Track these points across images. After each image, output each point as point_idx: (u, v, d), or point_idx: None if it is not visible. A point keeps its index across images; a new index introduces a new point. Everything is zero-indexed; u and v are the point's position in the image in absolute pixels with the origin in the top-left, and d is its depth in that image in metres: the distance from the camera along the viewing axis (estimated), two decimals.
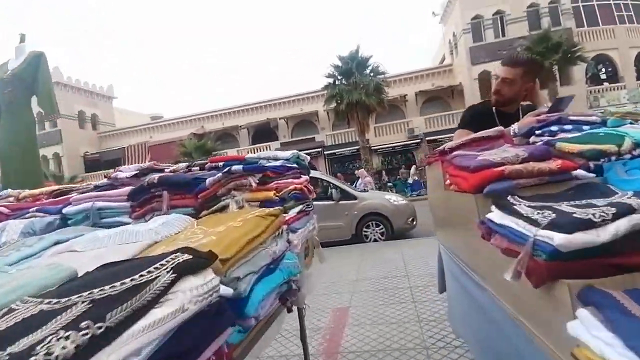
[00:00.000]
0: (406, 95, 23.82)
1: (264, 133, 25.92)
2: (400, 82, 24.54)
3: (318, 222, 3.67)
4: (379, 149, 22.19)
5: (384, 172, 20.19)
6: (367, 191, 8.26)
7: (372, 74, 18.13)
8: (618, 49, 19.09)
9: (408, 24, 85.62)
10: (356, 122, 18.35)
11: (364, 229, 6.95)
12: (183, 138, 23.10)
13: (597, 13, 19.86)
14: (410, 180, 18.20)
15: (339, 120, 23.73)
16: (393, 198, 7.12)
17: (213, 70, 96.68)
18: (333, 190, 6.91)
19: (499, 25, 20.84)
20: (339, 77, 18.53)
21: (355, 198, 6.97)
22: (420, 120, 22.40)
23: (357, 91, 17.49)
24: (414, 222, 7.17)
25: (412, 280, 4.05)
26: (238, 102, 27.24)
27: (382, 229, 6.91)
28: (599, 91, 19.55)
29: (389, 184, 18.97)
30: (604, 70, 20.39)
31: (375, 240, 6.92)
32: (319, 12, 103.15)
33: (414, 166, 19.41)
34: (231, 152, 24.67)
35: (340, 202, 6.96)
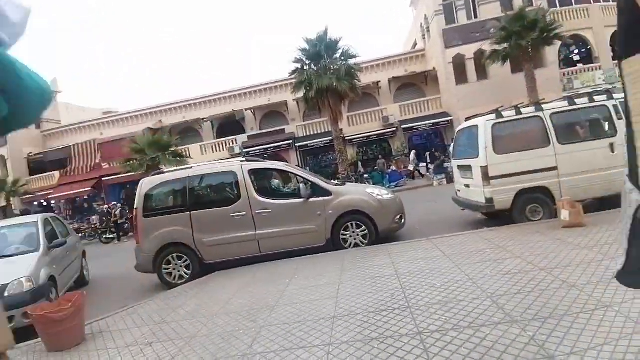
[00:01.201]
0: (379, 82, 22.69)
1: (229, 126, 23.98)
2: (372, 68, 23.37)
3: (282, 225, 2.61)
4: (353, 139, 20.95)
5: (359, 164, 18.97)
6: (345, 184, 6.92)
7: (342, 58, 16.73)
8: (592, 28, 18.81)
9: (376, 9, 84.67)
10: (328, 110, 16.94)
11: (342, 232, 5.61)
12: (138, 134, 20.78)
13: None
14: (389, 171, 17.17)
15: (310, 110, 22.27)
16: (376, 192, 5.81)
17: (175, 61, 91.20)
18: (301, 185, 5.49)
19: (471, 6, 20.04)
20: (307, 62, 16.99)
21: (329, 194, 5.59)
22: (394, 107, 21.36)
23: (327, 76, 16.04)
24: (403, 221, 5.91)
25: (419, 317, 2.71)
26: (200, 94, 25.03)
27: (364, 230, 5.59)
28: (573, 73, 19.26)
29: (366, 176, 17.79)
30: (576, 51, 20.13)
31: (356, 246, 5.59)
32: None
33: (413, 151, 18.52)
34: (193, 147, 22.63)
35: (311, 199, 5.56)
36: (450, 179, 15.56)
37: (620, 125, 5.15)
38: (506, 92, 17.79)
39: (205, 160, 21.97)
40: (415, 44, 25.47)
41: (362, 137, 20.95)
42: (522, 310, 2.59)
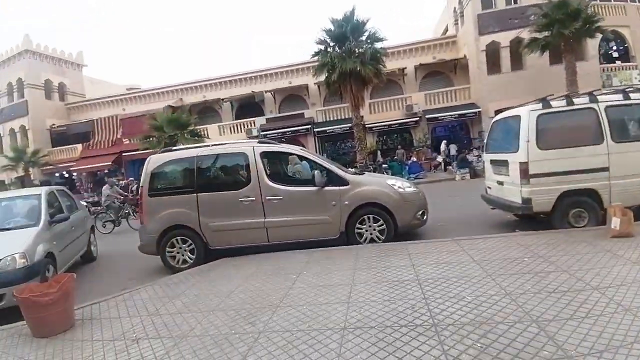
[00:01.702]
0: (405, 68, 21.66)
1: (249, 107, 23.66)
2: (398, 54, 22.32)
3: (294, 214, 2.81)
4: (374, 127, 20.22)
5: (379, 153, 18.31)
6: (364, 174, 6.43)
7: (368, 41, 15.90)
8: (630, 26, 17.19)
9: None
10: (349, 95, 16.25)
11: (358, 225, 5.15)
12: (159, 111, 20.75)
13: None
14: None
15: (331, 95, 21.58)
16: (398, 184, 5.29)
17: (197, 40, 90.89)
18: (316, 172, 5.02)
19: None
20: (332, 44, 16.25)
21: (346, 183, 5.11)
22: (419, 96, 20.38)
23: (351, 59, 15.29)
24: (425, 217, 5.39)
25: (447, 340, 2.25)
26: (221, 74, 24.71)
27: (381, 225, 5.11)
28: (611, 69, 17.76)
29: (385, 166, 17.16)
30: (615, 48, 18.48)
31: (372, 241, 5.13)
32: None
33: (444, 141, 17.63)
34: (212, 127, 22.46)
35: (326, 188, 5.10)
36: (474, 174, 14.74)
37: None
38: (542, 85, 16.43)
39: (223, 141, 21.80)
40: (446, 30, 24.13)
41: (383, 126, 20.19)
42: (576, 341, 2.09)
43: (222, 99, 23.41)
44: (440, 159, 17.65)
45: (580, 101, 4.64)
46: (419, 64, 21.63)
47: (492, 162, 5.58)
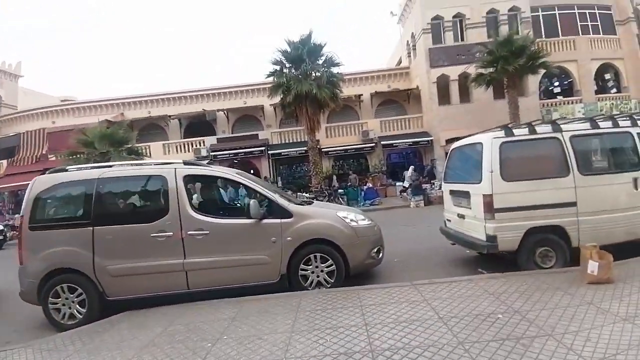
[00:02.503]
0: (361, 95, 21.89)
1: (199, 126, 22.21)
2: (355, 81, 22.59)
3: (223, 253, 2.95)
4: (330, 151, 19.82)
5: (334, 178, 17.79)
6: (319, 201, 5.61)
7: (325, 65, 15.70)
8: (577, 61, 18.90)
9: (363, 25, 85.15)
10: (305, 118, 15.75)
11: (303, 266, 4.26)
12: (94, 125, 18.63)
13: (559, 23, 19.60)
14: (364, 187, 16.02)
15: (286, 117, 21.07)
16: (350, 216, 4.54)
17: (152, 55, 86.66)
18: (252, 202, 4.10)
19: (459, 28, 19.79)
20: (288, 65, 15.82)
21: (289, 215, 4.25)
22: (375, 122, 20.52)
23: (307, 82, 14.91)
24: (381, 255, 4.66)
25: None
26: (170, 89, 23.17)
27: (331, 265, 4.28)
28: (552, 104, 19.25)
29: (340, 191, 16.61)
30: (557, 83, 20.23)
31: (319, 285, 4.26)
32: (270, 7, 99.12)
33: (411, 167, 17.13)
34: (156, 146, 20.64)
35: (265, 221, 4.19)
36: (428, 201, 14.69)
37: None
38: (487, 118, 17.20)
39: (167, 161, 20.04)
40: (400, 61, 25.05)
41: (340, 150, 19.87)
42: None
43: (170, 116, 21.78)
44: (406, 184, 17.08)
45: (544, 129, 4.31)
46: (375, 91, 21.98)
47: (452, 192, 5.08)
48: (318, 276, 4.27)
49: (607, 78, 19.07)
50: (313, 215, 4.39)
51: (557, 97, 20.20)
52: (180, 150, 20.52)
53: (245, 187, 4.43)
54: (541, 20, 19.61)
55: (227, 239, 4.16)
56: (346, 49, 65.91)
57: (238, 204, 5.19)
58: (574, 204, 4.13)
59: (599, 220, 4.11)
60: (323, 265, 4.27)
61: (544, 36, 19.02)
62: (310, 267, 4.27)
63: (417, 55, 20.73)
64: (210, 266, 4.10)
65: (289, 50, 15.29)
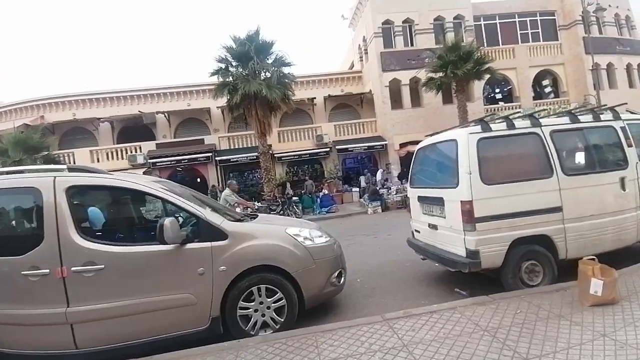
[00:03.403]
0: (314, 98, 21.24)
1: (135, 130, 19.91)
2: (308, 84, 21.92)
3: (127, 294, 2.47)
4: (283, 156, 18.79)
5: (288, 185, 16.77)
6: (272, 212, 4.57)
7: (275, 64, 14.72)
8: (516, 68, 19.97)
9: (316, 28, 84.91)
10: (254, 121, 14.59)
11: (242, 304, 3.21)
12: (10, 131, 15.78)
13: (499, 32, 20.63)
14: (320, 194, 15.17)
15: (235, 120, 19.64)
16: (304, 233, 3.58)
17: (86, 52, 77.24)
18: (166, 220, 2.96)
19: (408, 33, 20.02)
20: (234, 63, 14.58)
21: (223, 236, 3.19)
22: (329, 126, 19.92)
23: (256, 81, 13.80)
24: (342, 279, 3.76)
25: None
26: (99, 89, 20.58)
27: (280, 300, 3.28)
28: (495, 110, 20.12)
29: (295, 199, 15.64)
30: (498, 90, 21.29)
31: (265, 327, 3.25)
32: (217, 9, 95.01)
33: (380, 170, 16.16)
34: (81, 152, 18.03)
35: (189, 245, 3.09)
36: (385, 207, 14.27)
37: (632, 154, 3.86)
38: (438, 122, 17.45)
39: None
40: (352, 65, 24.88)
41: (293, 155, 18.91)
42: None
43: (99, 119, 19.26)
44: (378, 186, 16.18)
45: (522, 124, 3.75)
46: (328, 95, 21.46)
47: (421, 199, 4.37)
48: (263, 315, 3.26)
49: (544, 84, 20.40)
50: (256, 235, 3.37)
51: (499, 102, 21.32)
52: (113, 157, 18.19)
53: (162, 199, 3.28)
54: (483, 29, 20.54)
55: (132, 275, 2.99)
56: (299, 53, 65.11)
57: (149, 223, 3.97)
58: (559, 209, 3.59)
59: (586, 227, 3.62)
60: (270, 300, 3.27)
61: (485, 45, 19.88)
62: (253, 303, 3.24)
63: (369, 59, 20.60)
64: (107, 315, 2.90)
65: (234, 46, 14.08)
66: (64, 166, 3.21)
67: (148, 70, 70.84)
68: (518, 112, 3.86)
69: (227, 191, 8.38)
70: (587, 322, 2.66)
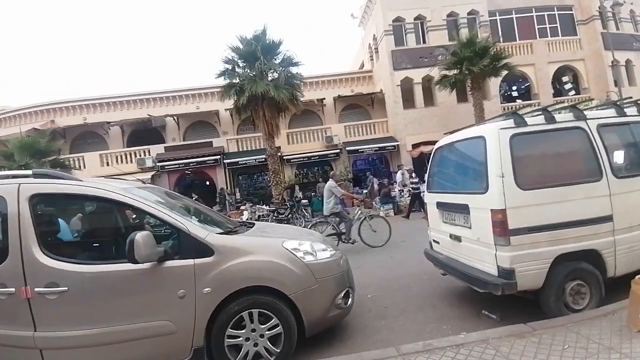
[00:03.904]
0: (324, 99, 20.74)
1: (145, 134, 19.84)
2: (317, 85, 21.49)
3: (97, 320, 2.12)
4: (292, 158, 18.35)
5: (296, 187, 16.30)
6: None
7: (282, 64, 14.32)
8: (534, 64, 19.06)
9: (325, 29, 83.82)
10: (262, 122, 14.20)
11: (231, 331, 2.73)
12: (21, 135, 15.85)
13: (515, 27, 19.77)
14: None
15: (242, 121, 19.41)
16: (304, 247, 3.07)
17: (98, 57, 78.25)
18: (138, 235, 2.48)
19: (420, 31, 19.35)
20: (241, 64, 14.25)
21: (208, 252, 2.71)
22: (339, 127, 19.39)
23: (263, 82, 13.42)
24: (350, 300, 3.23)
25: None
26: (110, 93, 20.60)
27: (275, 326, 2.78)
28: (512, 108, 19.23)
29: (304, 202, 15.16)
30: (515, 87, 20.40)
31: (258, 359, 2.76)
32: (226, 13, 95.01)
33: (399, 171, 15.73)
34: (91, 156, 18.00)
35: (168, 264, 2.63)
36: (398, 209, 13.64)
37: None
38: (453, 121, 16.76)
39: (106, 174, 17.55)
40: (362, 65, 24.32)
41: (302, 157, 18.44)
42: None
43: (109, 123, 19.24)
44: (396, 189, 14.71)
45: (563, 117, 3.16)
46: (338, 95, 20.96)
47: (441, 206, 3.81)
48: (256, 344, 2.76)
49: (564, 80, 19.41)
50: (247, 250, 2.88)
51: (516, 100, 20.41)
52: (122, 161, 18.09)
53: (139, 210, 2.82)
54: (499, 24, 19.71)
55: (100, 298, 2.54)
56: (308, 53, 64.57)
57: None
58: (609, 219, 3.00)
59: (638, 237, 3.02)
60: (264, 327, 2.77)
61: (501, 40, 19.03)
62: (244, 331, 2.75)
63: (380, 58, 20.01)
64: (76, 344, 2.47)
65: (241, 47, 13.74)
66: (30, 172, 2.80)
67: (157, 74, 71.71)
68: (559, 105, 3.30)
69: (331, 182, 7.75)
70: (636, 352, 2.08)
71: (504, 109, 19.22)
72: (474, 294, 3.92)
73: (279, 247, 2.95)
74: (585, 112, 3.19)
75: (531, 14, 19.78)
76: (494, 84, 18.40)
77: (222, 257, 2.73)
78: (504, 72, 15.94)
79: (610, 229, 2.99)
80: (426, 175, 4.27)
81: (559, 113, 3.22)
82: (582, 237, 2.93)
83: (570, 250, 2.90)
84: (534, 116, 3.18)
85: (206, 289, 2.64)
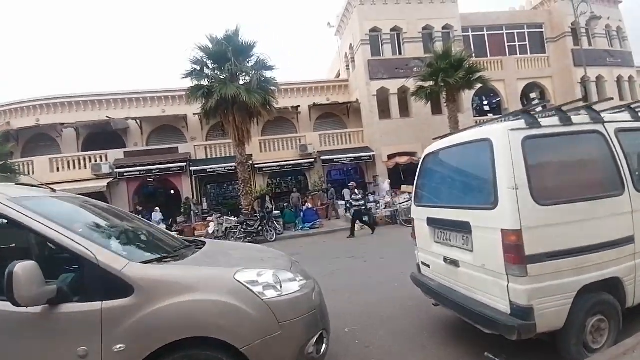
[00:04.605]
0: (299, 107, 20.16)
1: (104, 137, 18.26)
2: (292, 92, 20.92)
3: None
4: (264, 167, 17.50)
5: (268, 198, 15.43)
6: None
7: (255, 67, 13.59)
8: (504, 80, 19.53)
9: (301, 37, 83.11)
10: (232, 128, 13.33)
11: None
12: None
13: (487, 43, 20.26)
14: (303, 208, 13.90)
15: (210, 126, 18.42)
16: (265, 278, 2.28)
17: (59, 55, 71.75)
18: (15, 267, 1.66)
19: (396, 42, 19.37)
20: (210, 65, 13.39)
21: (127, 290, 1.91)
22: (314, 136, 18.81)
23: (234, 85, 12.61)
24: (324, 347, 2.48)
25: None
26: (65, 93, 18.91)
27: None
28: (484, 121, 19.51)
29: (276, 213, 14.33)
30: (487, 102, 20.83)
31: None
32: (201, 17, 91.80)
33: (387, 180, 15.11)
34: (41, 161, 16.24)
35: (64, 308, 1.80)
36: (374, 222, 13.09)
37: None
38: (428, 133, 16.61)
39: (55, 180, 15.86)
40: (338, 74, 24.08)
41: (275, 166, 17.63)
42: None
43: (62, 124, 17.57)
44: (386, 199, 14.18)
45: (580, 119, 2.66)
46: (313, 103, 20.47)
47: (432, 222, 3.20)
48: None
49: (532, 97, 20.01)
50: (184, 285, 2.09)
51: (488, 114, 20.81)
52: (74, 167, 16.50)
53: (17, 226, 1.98)
54: (471, 40, 20.13)
55: None
56: (283, 60, 63.80)
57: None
58: (631, 240, 2.50)
59: None
60: None
61: (474, 56, 19.44)
62: None
63: (356, 67, 19.80)
64: None
65: (210, 47, 12.91)
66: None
67: (121, 76, 68.16)
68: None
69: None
70: None
71: (477, 122, 19.49)
72: (473, 329, 3.31)
73: (230, 279, 2.18)
74: (603, 115, 2.71)
75: (502, 32, 20.40)
76: (467, 97, 18.64)
77: (145, 297, 1.94)
78: (478, 85, 16.10)
79: (632, 251, 2.50)
80: (413, 187, 3.66)
81: (574, 114, 2.71)
82: (605, 264, 2.40)
83: (594, 280, 2.35)
84: (546, 117, 2.66)
85: (118, 346, 1.83)
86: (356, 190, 11.89)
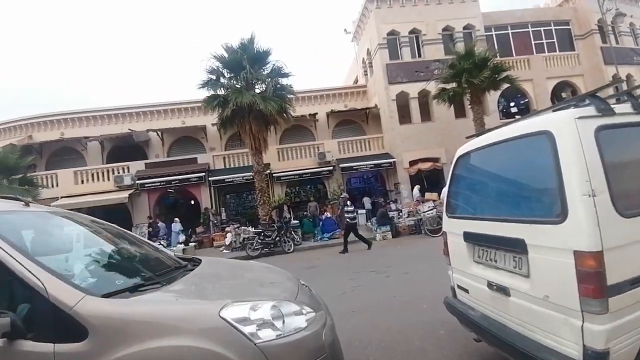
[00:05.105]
0: (316, 114, 19.84)
1: (127, 150, 18.61)
2: (309, 99, 20.68)
3: None
4: (282, 176, 17.18)
5: (285, 207, 15.05)
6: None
7: (271, 75, 13.39)
8: (532, 80, 18.45)
9: (318, 45, 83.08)
10: (249, 136, 13.11)
11: None
12: None
13: (512, 42, 19.30)
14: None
15: (227, 135, 18.34)
16: (260, 314, 1.81)
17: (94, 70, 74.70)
18: None
19: (415, 44, 18.77)
20: (226, 74, 13.30)
21: (79, 333, 1.48)
22: (332, 143, 18.37)
23: (249, 93, 12.42)
24: None
25: None
26: (89, 107, 19.48)
27: None
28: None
29: (294, 222, 13.91)
30: (513, 103, 19.74)
31: None
32: (219, 31, 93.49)
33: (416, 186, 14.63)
34: (65, 173, 16.66)
35: (22, 344, 1.40)
36: (396, 232, 12.41)
37: None
38: (452, 137, 15.88)
39: (79, 192, 16.20)
40: (356, 80, 23.68)
41: (293, 175, 17.28)
42: None
43: (87, 138, 18.02)
44: (408, 206, 13.75)
45: None
46: (331, 110, 20.09)
47: (471, 238, 2.62)
48: None
49: (564, 96, 18.77)
50: (153, 326, 1.62)
51: (515, 117, 19.69)
52: (99, 179, 16.77)
53: None
54: (495, 40, 19.22)
55: None
56: (300, 68, 64.19)
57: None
58: None
59: None
60: None
61: (498, 56, 18.53)
62: None
63: (375, 72, 19.31)
64: None
65: (226, 56, 12.82)
66: None
67: (142, 89, 70.67)
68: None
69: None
70: None
71: (505, 124, 18.45)
72: (493, 355, 2.68)
73: (214, 317, 1.69)
74: None
75: (527, 29, 19.39)
76: (492, 99, 17.72)
77: (100, 341, 1.49)
78: (505, 86, 15.22)
79: None
80: (443, 193, 3.09)
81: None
82: None
83: None
84: (622, 103, 2.06)
85: None
86: (348, 202, 11.22)
